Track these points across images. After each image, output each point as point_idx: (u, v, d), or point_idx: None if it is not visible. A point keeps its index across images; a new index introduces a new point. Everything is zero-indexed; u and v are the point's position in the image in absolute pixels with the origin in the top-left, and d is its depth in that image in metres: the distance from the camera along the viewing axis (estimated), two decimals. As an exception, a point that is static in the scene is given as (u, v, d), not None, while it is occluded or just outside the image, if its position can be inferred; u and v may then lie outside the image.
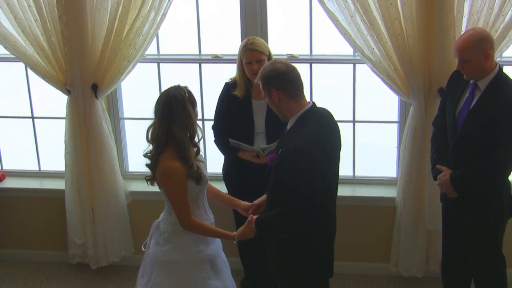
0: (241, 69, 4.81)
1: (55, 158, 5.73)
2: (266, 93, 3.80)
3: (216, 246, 4.13)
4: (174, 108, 3.82)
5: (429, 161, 4.67)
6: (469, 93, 4.23)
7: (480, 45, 4.06)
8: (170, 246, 4.01)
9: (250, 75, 4.75)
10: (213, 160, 5.31)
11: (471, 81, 4.22)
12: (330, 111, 3.97)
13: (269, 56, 4.75)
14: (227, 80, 4.97)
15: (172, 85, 3.94)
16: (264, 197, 4.08)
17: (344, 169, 4.95)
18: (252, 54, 4.70)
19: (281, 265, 3.95)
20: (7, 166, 5.95)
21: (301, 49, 5.29)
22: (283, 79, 3.73)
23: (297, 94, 3.78)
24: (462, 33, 4.52)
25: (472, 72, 4.15)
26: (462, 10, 4.61)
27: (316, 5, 4.90)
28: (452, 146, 4.31)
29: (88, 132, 5.26)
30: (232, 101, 4.86)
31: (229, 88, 4.91)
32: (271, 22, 5.22)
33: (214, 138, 5.00)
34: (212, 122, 5.03)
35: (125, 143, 5.72)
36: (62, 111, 5.36)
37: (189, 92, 3.91)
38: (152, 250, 4.09)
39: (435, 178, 4.41)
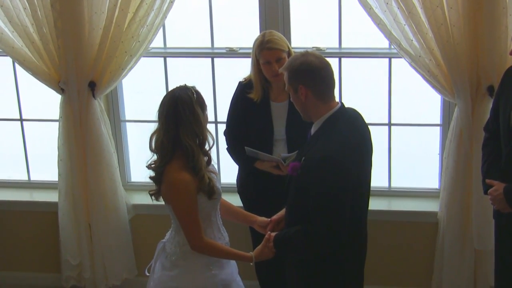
0: (257, 68, 4.78)
1: (47, 167, 5.75)
2: (291, 88, 3.79)
3: (231, 269, 4.13)
4: (181, 111, 3.82)
5: (477, 170, 4.67)
6: (526, 93, 4.21)
7: None
8: (179, 270, 4.01)
9: (270, 76, 4.73)
10: (226, 170, 5.34)
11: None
12: (359, 111, 3.97)
13: (289, 52, 4.73)
14: (241, 79, 4.95)
15: (178, 85, 3.95)
16: (283, 212, 4.10)
17: (378, 180, 4.95)
18: (271, 53, 4.67)
19: (302, 288, 3.94)
20: (-9, 175, 6.04)
21: (329, 42, 5.28)
22: (315, 77, 3.71)
23: (328, 94, 3.77)
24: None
25: None
26: (516, -4, 4.58)
27: (346, -10, 4.98)
28: (505, 154, 4.24)
29: (85, 137, 5.27)
30: (248, 104, 4.85)
31: (243, 88, 4.90)
32: (294, 11, 5.19)
33: (226, 146, 5.01)
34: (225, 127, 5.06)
35: (126, 149, 5.75)
36: (55, 112, 5.37)
37: (198, 93, 3.92)
38: (157, 275, 4.08)
39: (485, 192, 4.35)
